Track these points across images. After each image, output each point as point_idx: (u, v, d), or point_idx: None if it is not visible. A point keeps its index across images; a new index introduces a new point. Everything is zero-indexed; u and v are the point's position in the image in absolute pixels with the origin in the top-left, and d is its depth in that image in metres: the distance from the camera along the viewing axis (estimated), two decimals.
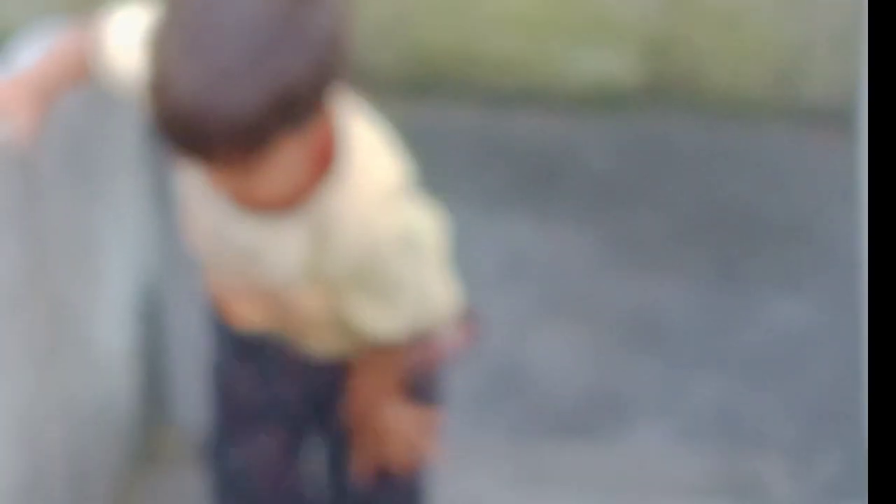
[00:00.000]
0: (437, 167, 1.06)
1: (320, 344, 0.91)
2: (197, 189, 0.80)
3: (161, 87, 0.65)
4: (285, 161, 0.68)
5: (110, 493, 1.16)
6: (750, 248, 1.95)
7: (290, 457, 1.02)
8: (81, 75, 0.88)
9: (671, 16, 2.12)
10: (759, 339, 1.85)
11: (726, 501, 1.59)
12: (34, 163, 0.93)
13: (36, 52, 0.97)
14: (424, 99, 1.92)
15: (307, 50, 0.65)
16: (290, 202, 0.74)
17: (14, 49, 1.06)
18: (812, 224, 1.90)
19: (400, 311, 0.84)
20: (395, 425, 0.95)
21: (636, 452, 1.76)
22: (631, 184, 2.00)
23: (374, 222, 0.77)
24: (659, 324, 1.82)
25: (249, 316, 0.92)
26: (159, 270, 1.38)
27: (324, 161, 0.74)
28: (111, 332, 1.17)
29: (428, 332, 0.89)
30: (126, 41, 0.80)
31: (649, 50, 2.14)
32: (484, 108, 2.05)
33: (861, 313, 1.39)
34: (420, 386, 0.97)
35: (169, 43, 0.66)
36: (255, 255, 0.80)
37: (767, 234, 1.96)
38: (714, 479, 1.64)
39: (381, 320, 0.84)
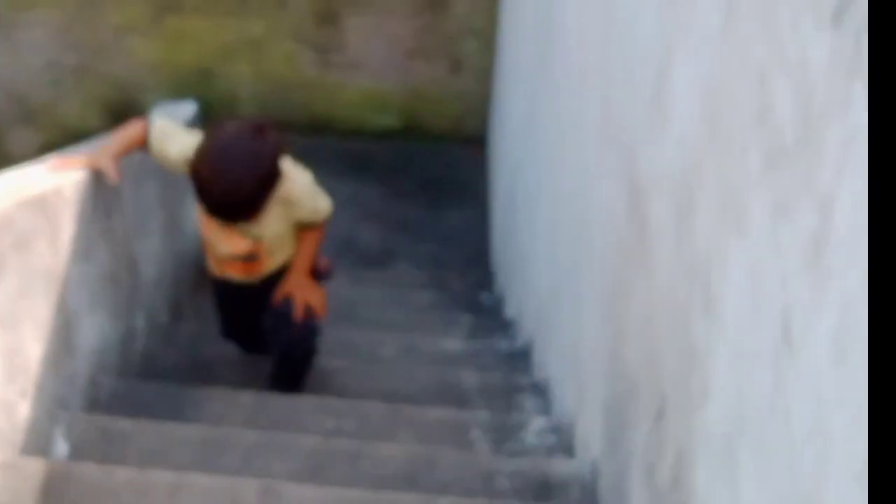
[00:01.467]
0: (321, 165, 2.24)
1: (265, 265, 1.93)
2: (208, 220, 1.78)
3: (205, 191, 1.60)
4: (269, 213, 1.71)
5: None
6: (444, 192, 4.33)
7: (249, 322, 2.06)
8: (140, 148, 1.83)
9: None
10: (447, 228, 4.12)
11: (432, 291, 3.37)
12: (118, 189, 1.92)
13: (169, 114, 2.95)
14: (315, 135, 4.24)
15: (266, 165, 1.63)
16: (257, 217, 1.69)
17: (154, 112, 2.88)
18: (469, 183, 4.41)
19: (317, 212, 1.88)
20: (312, 289, 1.96)
21: (398, 272, 3.79)
22: (397, 168, 4.49)
23: (301, 188, 1.81)
24: (408, 223, 4.13)
25: (231, 272, 1.95)
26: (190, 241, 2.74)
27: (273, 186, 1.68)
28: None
29: (325, 219, 1.92)
30: (161, 138, 1.79)
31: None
32: (340, 139, 4.47)
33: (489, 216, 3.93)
34: (319, 269, 2.04)
35: (204, 168, 1.59)
36: (245, 230, 1.80)
37: (452, 187, 4.39)
38: (428, 281, 3.62)
39: (311, 216, 1.88)
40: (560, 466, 1.50)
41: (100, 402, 1.76)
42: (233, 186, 1.57)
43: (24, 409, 1.45)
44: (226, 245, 1.88)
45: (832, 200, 0.62)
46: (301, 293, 1.92)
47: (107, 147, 1.84)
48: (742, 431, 0.81)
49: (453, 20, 4.05)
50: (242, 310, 2.06)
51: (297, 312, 1.89)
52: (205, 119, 3.19)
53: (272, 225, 1.82)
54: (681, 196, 1.05)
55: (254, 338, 2.12)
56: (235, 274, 1.95)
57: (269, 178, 1.64)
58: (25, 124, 4.42)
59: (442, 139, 4.38)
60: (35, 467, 1.38)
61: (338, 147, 4.28)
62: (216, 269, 1.99)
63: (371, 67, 4.22)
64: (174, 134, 1.80)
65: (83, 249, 1.74)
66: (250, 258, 1.91)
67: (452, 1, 4.01)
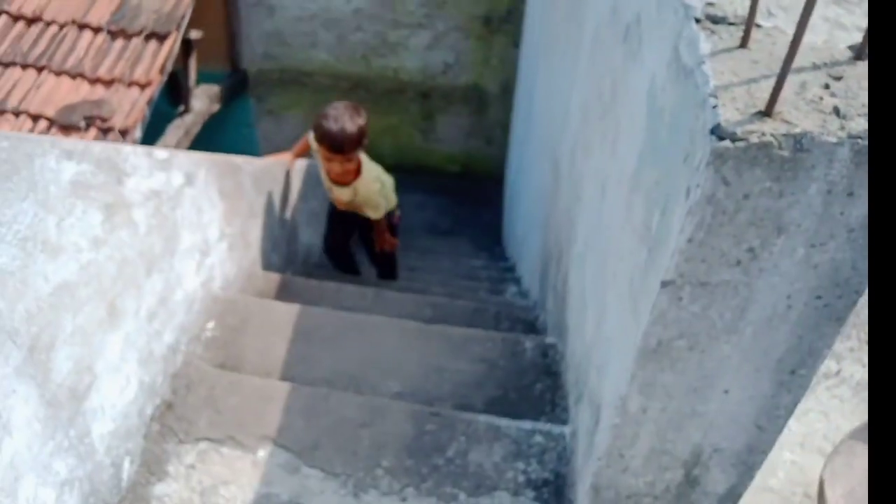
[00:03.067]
0: (420, 189, 4.89)
1: (363, 211, 3.34)
2: (325, 176, 3.27)
3: (326, 130, 2.88)
4: (355, 158, 3.08)
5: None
6: (481, 204, 5.99)
7: (350, 240, 3.82)
8: (307, 151, 3.42)
9: None
10: (481, 219, 5.83)
11: (470, 244, 5.49)
12: (292, 174, 3.58)
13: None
14: (418, 174, 5.91)
15: (361, 127, 2.95)
16: (350, 175, 3.16)
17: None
18: (494, 200, 5.92)
19: (383, 201, 3.35)
20: (387, 239, 3.54)
21: (455, 237, 5.71)
22: (458, 191, 6.03)
23: (374, 176, 3.28)
24: (462, 216, 5.83)
25: (341, 202, 3.33)
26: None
27: (357, 170, 3.17)
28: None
29: (391, 209, 3.49)
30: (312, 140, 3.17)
31: None
32: (431, 176, 6.11)
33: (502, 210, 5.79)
34: (392, 226, 3.60)
35: (327, 118, 2.89)
36: (340, 194, 3.26)
37: (485, 201, 5.97)
38: (469, 240, 5.54)
39: (378, 199, 3.30)
40: (520, 302, 2.92)
41: (303, 269, 3.28)
42: (343, 126, 2.82)
43: (275, 258, 2.96)
44: (335, 192, 3.25)
45: (618, 134, 2.02)
46: (380, 242, 3.49)
47: (290, 152, 3.40)
48: (587, 247, 2.19)
49: (489, 117, 6.70)
50: (342, 227, 3.59)
51: (377, 247, 3.54)
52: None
53: (350, 193, 3.22)
54: (571, 159, 2.45)
55: (345, 258, 3.74)
56: (342, 206, 3.38)
57: (362, 130, 2.90)
58: None
59: (481, 178, 6.83)
60: (274, 277, 2.87)
61: (430, 181, 6.67)
62: (332, 199, 3.41)
63: (448, 141, 6.93)
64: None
65: (301, 194, 3.27)
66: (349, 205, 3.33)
67: (489, 108, 6.69)
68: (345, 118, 2.89)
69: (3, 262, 1.26)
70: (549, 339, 2.29)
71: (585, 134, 2.11)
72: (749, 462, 1.38)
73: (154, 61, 5.31)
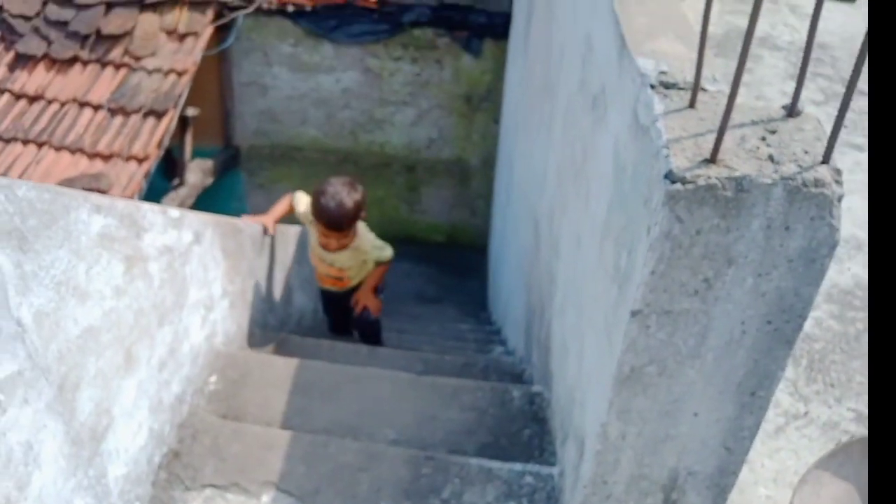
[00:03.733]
0: (407, 258, 5.09)
1: (348, 283, 3.46)
2: (316, 245, 3.23)
3: (322, 208, 2.91)
4: (351, 233, 3.11)
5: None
6: (466, 273, 6.19)
7: (341, 315, 3.78)
8: (289, 213, 3.28)
9: None
10: (467, 287, 5.99)
11: (457, 310, 5.59)
12: (272, 241, 3.42)
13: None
14: (405, 245, 6.13)
15: (358, 202, 2.98)
16: (346, 246, 3.15)
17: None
18: (479, 269, 6.10)
19: (381, 257, 3.37)
20: (372, 299, 3.50)
21: (442, 304, 5.80)
22: (444, 261, 6.23)
23: (370, 243, 3.32)
24: (448, 285, 6.01)
25: (331, 274, 3.44)
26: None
27: (353, 235, 3.15)
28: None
29: (388, 261, 3.43)
30: (297, 203, 3.25)
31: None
32: (417, 246, 6.30)
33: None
34: (377, 288, 3.58)
35: (324, 195, 2.90)
36: (333, 261, 3.30)
37: (469, 271, 6.17)
38: (456, 307, 5.66)
39: (377, 258, 3.37)
40: (506, 359, 3.05)
41: (297, 331, 3.39)
42: (340, 203, 2.84)
43: (272, 319, 3.09)
44: (326, 270, 3.28)
45: (589, 191, 2.20)
46: (364, 300, 3.44)
47: (271, 214, 3.20)
48: (566, 298, 2.33)
49: (472, 189, 6.97)
50: (337, 307, 3.65)
51: (357, 310, 3.44)
52: None
53: (348, 261, 3.27)
54: (549, 218, 2.62)
55: (345, 326, 3.79)
56: (332, 287, 3.46)
57: (359, 206, 2.93)
58: None
59: (465, 247, 7.10)
60: (272, 335, 2.99)
61: (416, 250, 6.63)
62: (322, 284, 3.48)
63: (432, 212, 7.12)
64: (302, 200, 3.18)
65: (295, 259, 3.41)
66: (339, 279, 3.37)
67: (472, 180, 6.92)
68: (342, 194, 2.90)
69: (40, 303, 1.39)
70: (536, 388, 2.41)
71: (562, 194, 2.29)
72: (721, 484, 1.50)
73: (152, 137, 5.52)
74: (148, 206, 1.90)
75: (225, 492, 1.98)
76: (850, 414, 2.13)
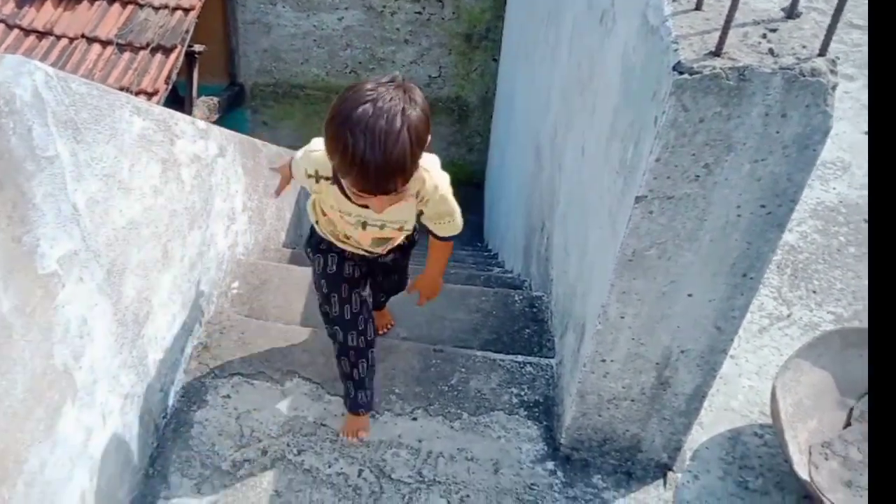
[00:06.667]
0: None
1: (398, 239, 1.74)
2: (336, 199, 1.53)
3: (358, 165, 1.23)
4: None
5: None
6: (465, 207, 6.14)
7: (361, 293, 1.80)
8: (287, 183, 1.79)
9: None
10: (465, 222, 5.99)
11: (468, 250, 5.66)
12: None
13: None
14: None
15: (419, 129, 1.25)
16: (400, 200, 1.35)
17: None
18: (475, 203, 6.12)
19: (453, 224, 1.64)
20: (438, 288, 1.87)
21: None
22: None
23: (440, 188, 1.57)
24: None
25: (359, 244, 1.69)
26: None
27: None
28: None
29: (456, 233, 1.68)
30: (306, 163, 1.56)
31: None
32: None
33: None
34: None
35: (352, 151, 1.22)
36: (377, 220, 1.57)
37: (468, 204, 6.15)
38: (460, 242, 5.74)
39: (448, 230, 1.66)
40: (505, 275, 3.14)
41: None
42: (393, 145, 1.23)
43: (285, 238, 3.13)
44: (356, 231, 1.66)
45: (595, 102, 2.25)
46: (428, 291, 1.90)
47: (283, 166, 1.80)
48: (569, 206, 2.40)
49: (470, 126, 6.88)
50: (363, 284, 1.84)
51: (420, 303, 1.93)
52: None
53: (403, 214, 1.61)
54: (552, 139, 2.68)
55: (369, 328, 1.85)
56: (368, 249, 1.75)
57: (419, 135, 1.29)
58: None
59: (462, 183, 6.90)
60: (285, 252, 3.04)
61: None
62: (340, 243, 1.75)
63: (432, 150, 7.16)
64: (307, 159, 1.57)
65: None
66: (384, 240, 1.72)
67: (470, 118, 6.85)
68: (393, 125, 1.25)
69: (92, 191, 1.45)
70: (536, 293, 2.50)
71: (566, 113, 2.34)
72: (711, 362, 1.59)
73: (160, 72, 5.49)
74: (180, 115, 1.94)
75: (252, 379, 2.08)
76: (829, 316, 2.23)
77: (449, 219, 1.69)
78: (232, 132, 2.49)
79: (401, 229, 1.70)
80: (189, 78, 6.26)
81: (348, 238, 1.73)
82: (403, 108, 1.27)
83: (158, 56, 5.64)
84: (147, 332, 1.79)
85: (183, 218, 1.98)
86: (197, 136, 2.07)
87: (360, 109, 1.25)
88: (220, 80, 6.96)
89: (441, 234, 1.72)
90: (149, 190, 1.73)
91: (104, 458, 1.60)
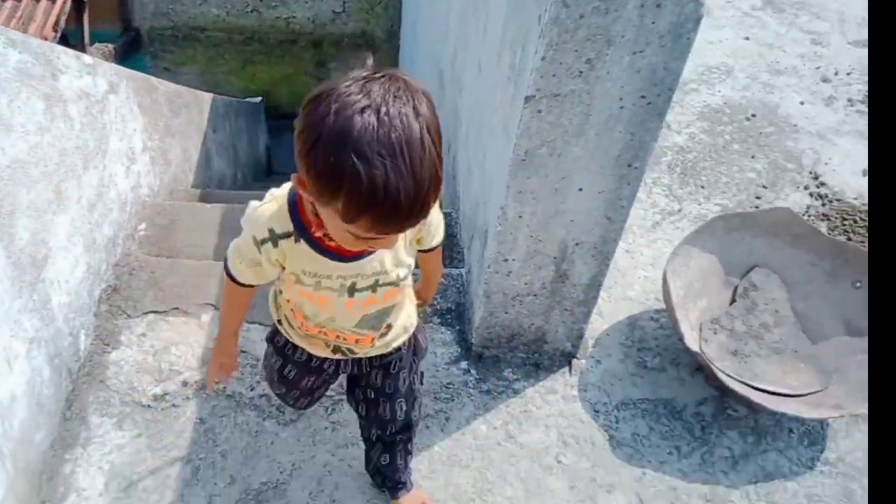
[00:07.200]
0: None
1: (360, 347, 1.25)
2: (319, 264, 1.07)
3: (377, 196, 0.81)
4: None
5: None
6: None
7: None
8: (244, 303, 1.29)
9: None
10: None
11: None
12: (186, 104, 4.63)
13: None
14: None
15: (439, 146, 0.86)
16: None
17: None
18: None
19: (439, 233, 1.25)
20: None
21: None
22: None
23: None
24: None
25: (342, 331, 1.22)
26: None
27: None
28: None
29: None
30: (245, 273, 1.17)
31: None
32: None
33: None
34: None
35: (365, 178, 0.80)
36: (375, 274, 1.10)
37: None
38: None
39: (436, 239, 1.25)
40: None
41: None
42: (415, 172, 0.84)
43: (192, 179, 3.04)
44: (350, 311, 1.21)
45: (487, 17, 2.24)
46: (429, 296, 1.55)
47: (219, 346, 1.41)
48: (469, 125, 2.41)
49: (378, 60, 6.76)
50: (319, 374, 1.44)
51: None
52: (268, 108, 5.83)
53: (402, 254, 1.18)
54: (452, 60, 2.66)
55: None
56: (353, 345, 1.30)
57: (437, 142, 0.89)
58: None
59: None
60: (193, 192, 2.97)
61: None
62: (309, 345, 1.34)
63: None
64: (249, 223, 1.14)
65: (211, 123, 3.31)
66: (380, 320, 1.26)
67: (378, 52, 6.72)
68: (412, 134, 0.84)
69: None
70: (445, 210, 2.53)
71: (463, 34, 2.33)
72: (604, 252, 1.66)
73: (47, 19, 5.17)
74: (61, 49, 1.84)
75: (166, 315, 2.05)
76: (716, 208, 2.35)
77: (438, 219, 1.27)
78: (123, 68, 2.38)
79: (396, 284, 1.19)
80: (79, 24, 5.90)
81: (326, 334, 1.27)
82: (414, 106, 0.85)
83: (44, 2, 5.30)
84: (47, 275, 1.74)
85: (75, 157, 1.90)
86: (83, 70, 1.97)
87: (360, 124, 0.82)
88: (113, 25, 6.59)
89: (438, 240, 1.31)
90: (33, 127, 1.65)
91: (13, 402, 1.56)
